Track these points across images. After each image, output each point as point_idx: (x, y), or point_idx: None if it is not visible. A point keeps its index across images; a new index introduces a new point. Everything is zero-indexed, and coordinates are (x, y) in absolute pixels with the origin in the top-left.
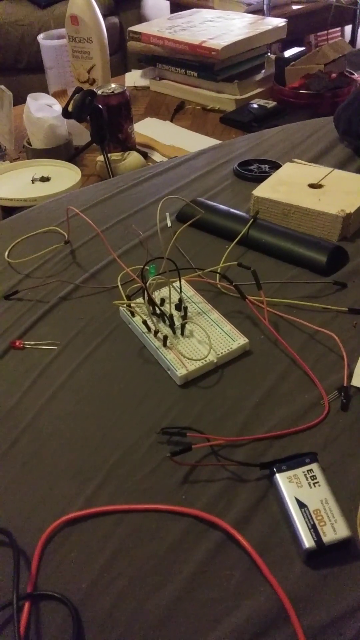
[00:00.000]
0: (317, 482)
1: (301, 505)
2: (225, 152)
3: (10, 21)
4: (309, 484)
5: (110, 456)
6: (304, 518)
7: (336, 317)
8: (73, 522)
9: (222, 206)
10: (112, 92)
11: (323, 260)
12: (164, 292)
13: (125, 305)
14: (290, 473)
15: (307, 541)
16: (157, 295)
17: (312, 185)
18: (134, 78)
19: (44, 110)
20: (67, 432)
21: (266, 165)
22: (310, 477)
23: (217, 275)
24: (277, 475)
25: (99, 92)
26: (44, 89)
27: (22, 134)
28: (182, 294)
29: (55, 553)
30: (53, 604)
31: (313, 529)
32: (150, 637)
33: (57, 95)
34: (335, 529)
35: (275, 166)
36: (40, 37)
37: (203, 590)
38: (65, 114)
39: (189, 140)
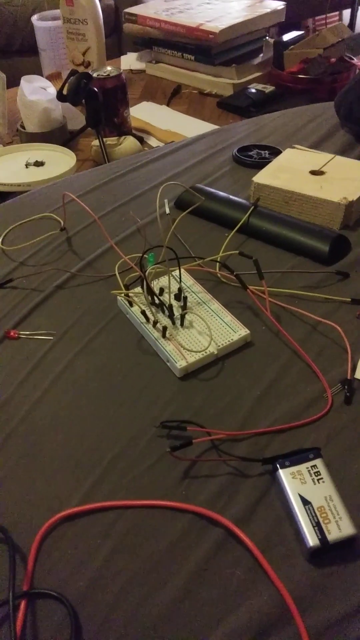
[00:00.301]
0: (321, 479)
1: (305, 502)
2: (223, 138)
3: (2, 2)
4: (312, 480)
5: (108, 450)
6: (308, 515)
7: (339, 308)
8: (70, 518)
9: (221, 193)
10: (108, 75)
11: (325, 249)
12: (162, 281)
13: (123, 294)
14: (294, 469)
15: (312, 539)
16: (155, 285)
17: (313, 172)
18: (130, 61)
19: (38, 93)
20: (64, 425)
21: (266, 151)
22: (314, 473)
23: (217, 264)
24: (280, 471)
25: (95, 75)
26: (38, 72)
27: (15, 117)
28: (182, 283)
29: (52, 550)
30: (50, 603)
31: (317, 527)
32: (150, 637)
33: (51, 78)
34: (340, 527)
35: (275, 152)
36: (34, 18)
37: (204, 589)
38: (60, 97)
39: (186, 125)
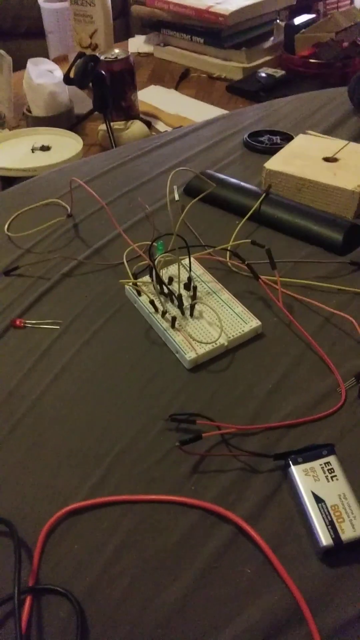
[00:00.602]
0: (335, 476)
1: (318, 500)
2: (234, 122)
3: None
4: (326, 477)
5: (115, 443)
6: (321, 514)
7: (353, 299)
8: (77, 513)
9: (232, 179)
10: (116, 58)
11: (339, 238)
12: (171, 270)
13: (131, 283)
14: (307, 465)
15: (325, 539)
16: (164, 274)
17: (326, 159)
18: (138, 44)
19: (44, 76)
20: (71, 417)
21: (277, 137)
22: (328, 470)
23: (228, 253)
24: (293, 468)
25: (102, 58)
26: (45, 55)
27: (21, 101)
28: (192, 272)
29: (58, 545)
30: (56, 599)
31: (331, 526)
32: (158, 635)
33: (58, 61)
34: (354, 526)
35: (287, 138)
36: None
37: (213, 587)
38: (67, 80)
39: (194, 110)
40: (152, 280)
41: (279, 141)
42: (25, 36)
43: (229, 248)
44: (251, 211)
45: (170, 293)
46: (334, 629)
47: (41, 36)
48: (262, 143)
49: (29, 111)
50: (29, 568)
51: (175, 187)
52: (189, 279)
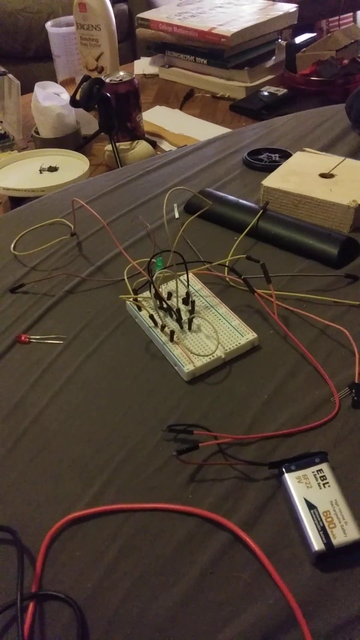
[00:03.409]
0: (327, 483)
1: (310, 506)
2: (234, 141)
3: (18, 9)
4: (318, 484)
5: (116, 454)
6: (314, 520)
7: (347, 311)
8: (78, 521)
9: (231, 197)
10: (121, 80)
11: (334, 252)
12: (171, 285)
13: (131, 299)
14: (300, 473)
15: (317, 544)
16: (164, 289)
17: (323, 175)
18: (143, 66)
19: (51, 98)
20: (73, 428)
21: (276, 155)
22: (320, 477)
23: (226, 268)
24: (286, 476)
25: (107, 80)
26: (53, 78)
27: (30, 123)
28: (190, 287)
29: (61, 552)
30: (58, 605)
31: (322, 531)
32: (156, 639)
33: (65, 83)
34: (345, 531)
35: (286, 155)
36: (48, 24)
37: (210, 592)
38: (73, 103)
39: (199, 129)
40: (152, 296)
41: (277, 159)
42: (33, 59)
43: (226, 264)
44: (249, 227)
45: (169, 308)
46: (327, 633)
47: (49, 59)
48: (261, 161)
49: (37, 133)
50: (31, 575)
51: (175, 205)
52: (187, 293)
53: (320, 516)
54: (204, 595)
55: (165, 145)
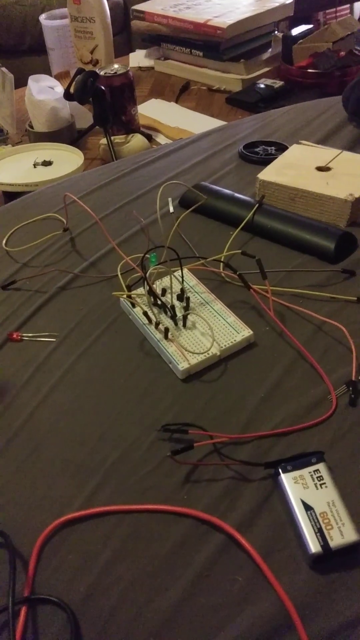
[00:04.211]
0: (324, 483)
1: (307, 507)
2: (230, 134)
3: (12, 1)
4: (315, 485)
5: (110, 454)
6: (310, 521)
7: (345, 307)
8: (71, 523)
9: (226, 190)
10: (115, 72)
11: (331, 247)
12: (165, 281)
13: (125, 296)
14: (296, 473)
15: (313, 546)
16: (158, 285)
17: (319, 168)
18: (138, 58)
19: (45, 92)
20: (66, 428)
21: (272, 147)
22: (317, 477)
23: (221, 263)
24: (282, 476)
25: (101, 73)
26: (47, 71)
27: (24, 117)
28: (185, 283)
29: (53, 555)
30: (50, 609)
31: (319, 533)
32: None
33: (60, 77)
34: (342, 533)
35: (282, 148)
36: (42, 17)
37: (205, 595)
38: (67, 96)
39: (195, 122)
40: (145, 292)
41: (273, 152)
42: (28, 53)
43: (222, 259)
44: (244, 222)
45: (163, 304)
46: (324, 636)
47: (43, 53)
48: (257, 154)
49: (31, 127)
50: (24, 578)
51: (170, 199)
52: (182, 290)
53: (317, 517)
54: (199, 598)
55: (161, 139)
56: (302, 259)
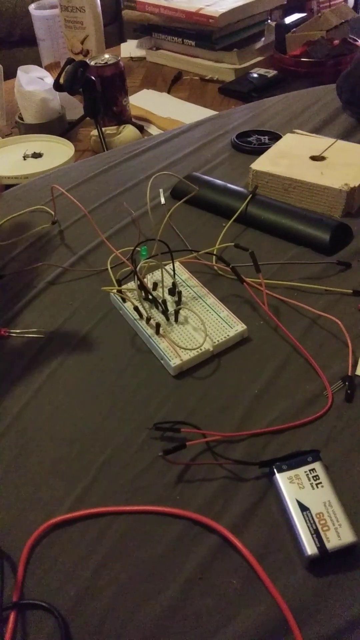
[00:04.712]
0: (320, 483)
1: (303, 508)
2: (222, 123)
3: None
4: (311, 484)
5: (100, 454)
6: (306, 522)
7: (340, 300)
8: (62, 525)
9: (218, 181)
10: (106, 63)
11: (326, 238)
12: (157, 275)
13: (115, 290)
14: (291, 473)
15: (310, 548)
16: (149, 279)
17: (314, 158)
18: (130, 48)
19: (35, 83)
20: (55, 427)
21: (266, 137)
22: (313, 477)
23: (214, 256)
24: (277, 476)
25: (92, 63)
26: (39, 62)
27: (14, 108)
28: (176, 277)
29: (43, 558)
30: (40, 614)
31: (316, 534)
32: None
33: (50, 68)
34: (339, 534)
35: (275, 137)
36: (31, 7)
37: (199, 598)
38: (57, 86)
39: (187, 112)
40: (136, 287)
41: (267, 141)
42: (19, 44)
43: (214, 252)
44: (237, 213)
45: (155, 299)
46: (321, 639)
47: (34, 44)
48: (250, 143)
49: (21, 119)
50: (12, 583)
51: (161, 190)
52: (174, 284)
53: (313, 518)
54: (192, 602)
55: (153, 130)
56: (297, 250)
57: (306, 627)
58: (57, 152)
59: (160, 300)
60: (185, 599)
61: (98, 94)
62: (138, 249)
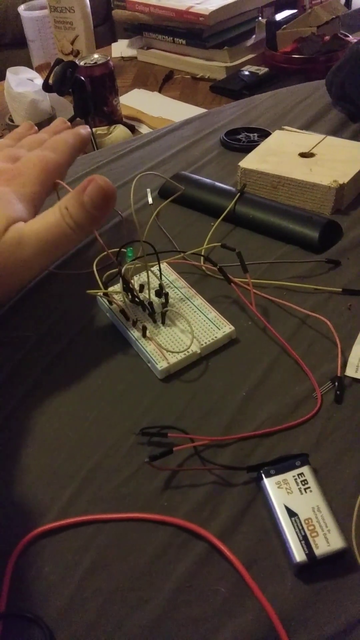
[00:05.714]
0: (309, 488)
1: (291, 514)
2: (211, 121)
3: None
4: (299, 489)
5: (87, 460)
6: (295, 528)
7: (329, 299)
8: (47, 534)
9: (207, 180)
10: (95, 62)
11: (315, 236)
12: (143, 277)
13: (100, 293)
14: (279, 478)
15: (298, 554)
16: (136, 281)
17: (303, 155)
18: (121, 48)
19: (25, 84)
20: (40, 434)
21: (255, 134)
22: (301, 481)
23: (202, 257)
24: (265, 481)
25: (81, 63)
26: (29, 64)
27: (4, 110)
28: (164, 278)
29: (28, 568)
30: (25, 625)
31: (304, 541)
32: None
33: (41, 69)
34: (328, 540)
35: (265, 134)
36: (20, 8)
37: (187, 607)
38: (46, 87)
39: (178, 111)
40: (121, 289)
41: (256, 138)
42: (10, 46)
43: (202, 252)
44: (225, 212)
45: (141, 301)
46: None
47: (25, 45)
48: (239, 141)
49: (12, 120)
50: None
51: (148, 190)
52: (160, 285)
53: (301, 524)
54: (180, 611)
55: (144, 129)
56: (286, 249)
57: (296, 636)
58: None
59: (146, 302)
60: (173, 607)
61: (88, 94)
62: (124, 250)
